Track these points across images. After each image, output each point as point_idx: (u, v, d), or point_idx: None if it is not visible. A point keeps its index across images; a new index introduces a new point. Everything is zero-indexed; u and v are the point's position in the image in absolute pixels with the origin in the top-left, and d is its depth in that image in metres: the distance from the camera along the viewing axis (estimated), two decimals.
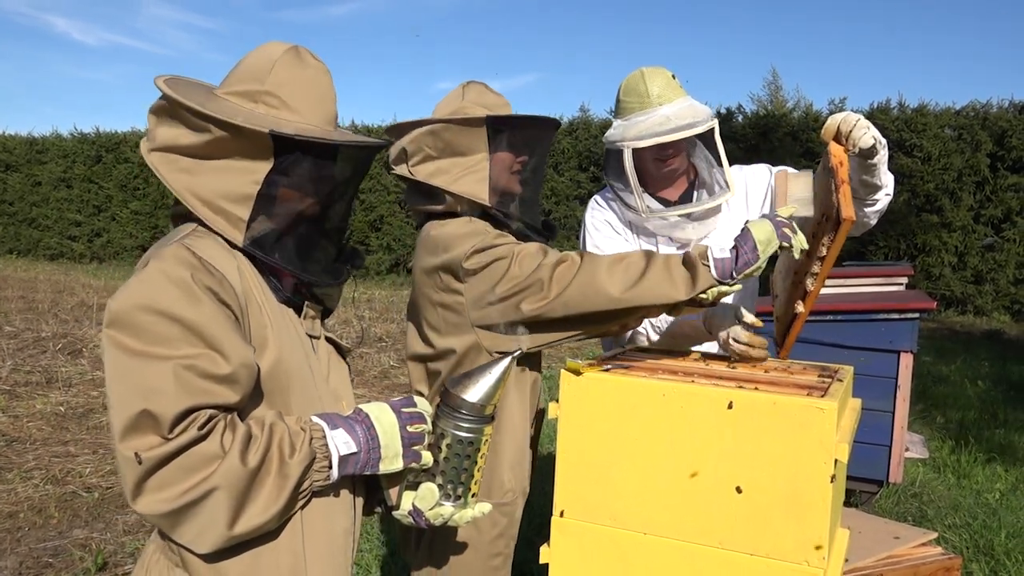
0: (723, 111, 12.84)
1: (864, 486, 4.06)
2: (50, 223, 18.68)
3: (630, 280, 1.77)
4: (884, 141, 1.97)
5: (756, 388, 1.67)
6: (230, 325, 1.23)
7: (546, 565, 1.80)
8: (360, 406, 1.39)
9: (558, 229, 2.15)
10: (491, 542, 1.99)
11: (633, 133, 2.19)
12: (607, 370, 1.79)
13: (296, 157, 1.29)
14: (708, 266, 1.77)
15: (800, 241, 1.83)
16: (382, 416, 1.35)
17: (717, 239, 2.30)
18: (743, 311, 1.97)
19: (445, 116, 1.96)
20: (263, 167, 1.28)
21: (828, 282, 4.64)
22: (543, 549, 1.80)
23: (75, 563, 3.50)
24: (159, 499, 1.17)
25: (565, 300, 1.80)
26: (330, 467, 1.30)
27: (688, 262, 1.79)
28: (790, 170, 2.34)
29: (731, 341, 1.97)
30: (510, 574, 2.08)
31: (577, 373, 1.73)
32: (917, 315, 3.82)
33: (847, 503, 4.12)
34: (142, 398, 1.15)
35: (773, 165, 2.37)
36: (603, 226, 2.39)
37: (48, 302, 10.63)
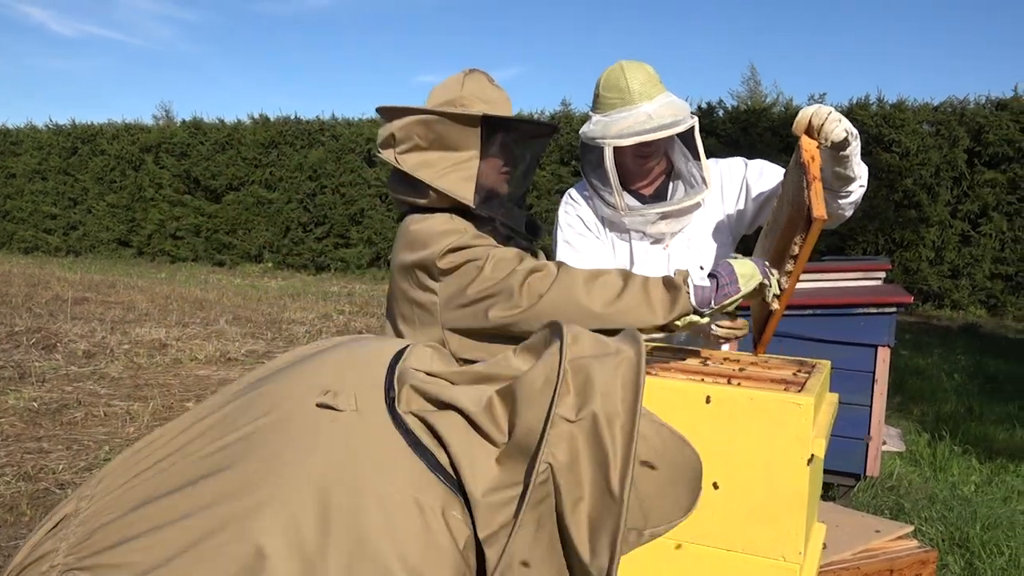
0: (704, 106, 12.88)
1: (842, 480, 4.08)
2: (24, 216, 18.42)
3: (608, 297, 1.74)
4: (856, 132, 1.95)
5: (734, 383, 1.67)
6: None
7: None
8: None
9: (543, 229, 2.11)
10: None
11: (615, 131, 2.16)
12: None
13: None
14: (688, 292, 1.74)
15: (775, 284, 1.83)
16: None
17: (691, 234, 2.29)
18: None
19: (441, 105, 1.89)
20: None
21: (806, 277, 4.66)
22: None
23: None
24: None
25: (538, 312, 1.74)
26: None
27: (670, 284, 1.76)
28: (767, 164, 2.33)
29: (713, 325, 1.95)
30: None
31: None
32: (894, 309, 3.84)
33: (824, 497, 4.14)
34: None
35: (753, 160, 2.36)
36: (576, 222, 2.37)
37: (22, 296, 10.48)
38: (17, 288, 11.27)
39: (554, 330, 1.09)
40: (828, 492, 4.19)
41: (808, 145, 1.86)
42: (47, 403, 5.65)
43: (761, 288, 1.81)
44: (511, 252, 1.84)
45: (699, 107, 12.89)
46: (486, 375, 1.10)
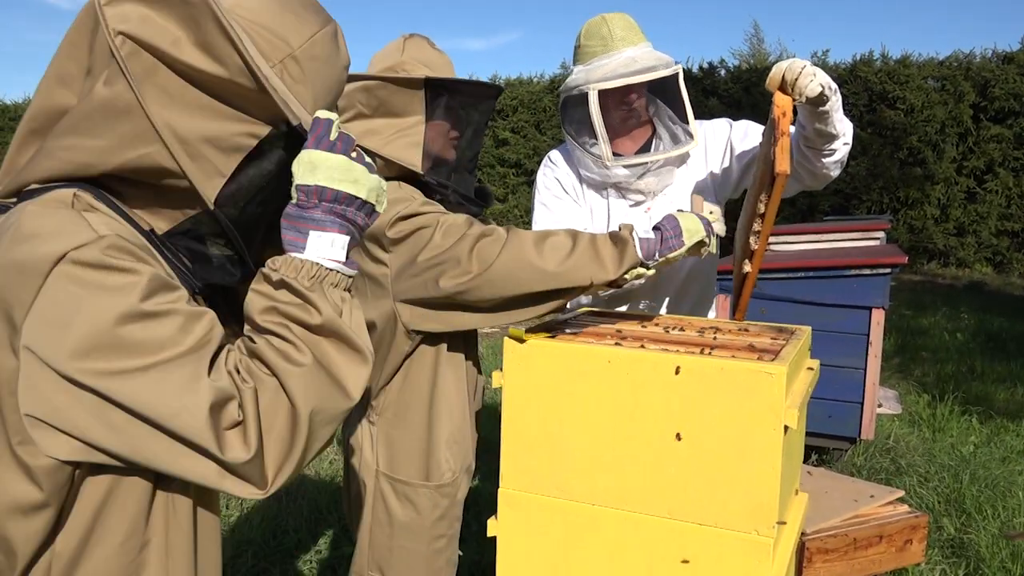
0: (705, 66, 12.68)
1: (836, 443, 4.05)
2: None
3: (560, 257, 1.69)
4: (835, 87, 1.87)
5: (706, 352, 1.61)
6: None
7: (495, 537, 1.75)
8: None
9: (492, 195, 2.06)
10: (433, 524, 1.93)
11: (598, 75, 2.11)
12: (552, 336, 1.72)
13: None
14: (635, 245, 1.70)
15: (713, 244, 1.82)
16: None
17: (674, 196, 2.23)
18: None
19: (382, 71, 1.84)
20: None
21: (800, 237, 4.60)
22: (491, 522, 1.74)
23: None
24: None
25: (491, 277, 1.69)
26: None
27: (617, 239, 1.71)
28: (751, 124, 2.26)
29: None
30: (456, 551, 2.03)
31: (520, 340, 1.66)
32: (888, 271, 3.76)
33: (819, 461, 4.11)
34: None
35: (756, 121, 2.29)
36: (553, 184, 2.32)
37: None
38: None
39: None
40: (822, 456, 4.16)
41: (781, 101, 1.78)
42: None
43: (700, 244, 1.78)
44: (460, 219, 1.78)
45: (700, 67, 12.69)
46: None
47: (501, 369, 1.70)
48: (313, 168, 1.03)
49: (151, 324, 0.93)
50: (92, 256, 0.93)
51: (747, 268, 1.85)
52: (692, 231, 1.75)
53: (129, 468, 1.00)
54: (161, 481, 1.06)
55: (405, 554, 1.92)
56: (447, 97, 1.82)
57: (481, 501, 3.50)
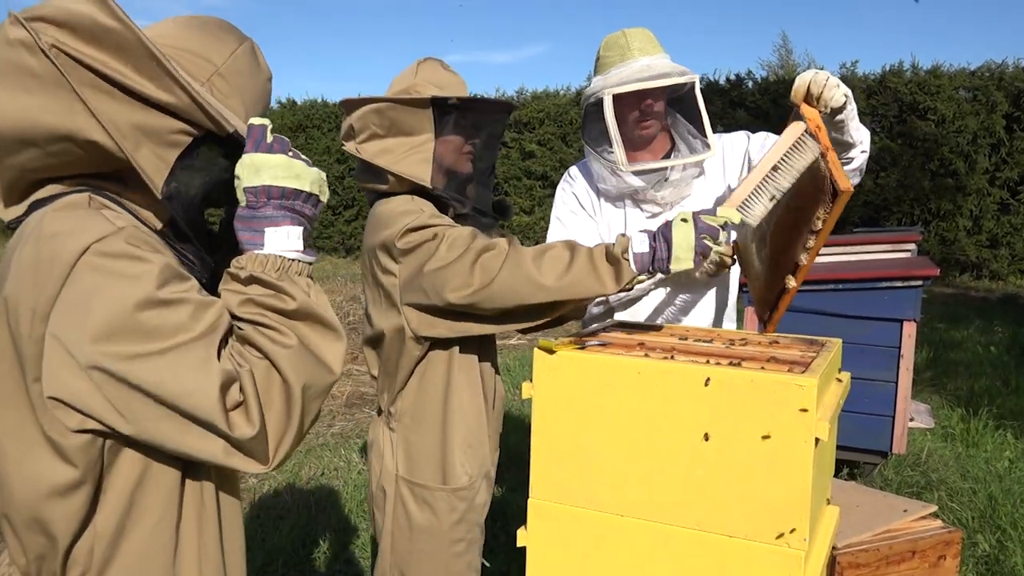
0: (732, 77, 12.63)
1: (867, 457, 4.00)
2: None
3: (559, 271, 1.73)
4: (850, 94, 1.90)
5: (736, 364, 1.61)
6: None
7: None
8: None
9: (511, 209, 2.12)
10: (451, 528, 1.96)
11: (613, 81, 2.15)
12: (582, 348, 1.73)
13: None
14: (629, 260, 1.72)
15: (719, 252, 1.77)
16: None
17: (691, 208, 2.24)
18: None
19: (396, 94, 1.93)
20: None
21: (832, 250, 4.56)
22: (520, 532, 1.76)
23: None
24: None
25: (492, 292, 1.74)
26: None
27: (611, 257, 1.74)
28: (770, 136, 2.26)
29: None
30: (479, 557, 2.05)
31: (550, 352, 1.67)
32: (920, 283, 3.72)
33: (849, 475, 4.07)
34: None
35: (756, 132, 2.30)
36: (570, 199, 2.37)
37: None
38: None
39: None
40: (853, 470, 4.11)
41: (812, 114, 1.79)
42: None
43: (721, 264, 1.81)
44: (466, 231, 1.83)
45: (727, 79, 12.65)
46: None
47: (530, 380, 1.72)
48: (257, 170, 1.11)
49: (166, 311, 1.00)
50: (113, 247, 1.00)
51: (791, 283, 1.86)
52: (682, 257, 1.72)
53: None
54: (189, 462, 1.12)
55: (425, 558, 1.96)
56: (454, 114, 1.89)
57: (508, 512, 3.51)
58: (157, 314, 0.99)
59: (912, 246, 4.62)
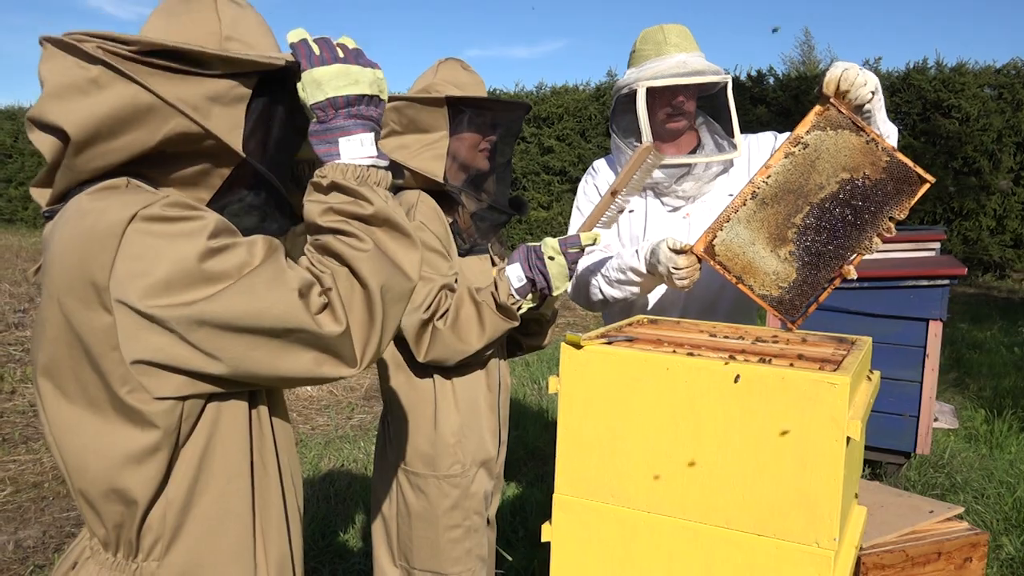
0: (754, 73, 12.54)
1: (891, 458, 3.96)
2: None
3: (477, 331, 1.89)
4: (879, 88, 1.94)
5: (766, 361, 1.59)
6: None
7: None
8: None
9: (527, 206, 2.19)
10: (445, 514, 2.00)
11: (648, 74, 2.18)
12: (609, 342, 1.72)
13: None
14: (516, 302, 1.90)
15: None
16: None
17: (713, 204, 2.25)
18: (671, 240, 2.03)
19: (415, 92, 2.01)
20: None
21: None
22: (544, 527, 1.74)
23: None
24: None
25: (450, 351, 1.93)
26: None
27: (501, 306, 1.89)
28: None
29: (671, 270, 2.02)
30: (482, 545, 2.08)
31: (577, 346, 1.66)
32: (947, 282, 3.68)
33: (872, 475, 4.03)
34: None
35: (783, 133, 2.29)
36: (592, 191, 2.41)
37: None
38: None
39: None
40: (876, 471, 4.07)
41: (846, 109, 1.78)
42: None
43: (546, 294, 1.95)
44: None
45: (748, 75, 12.56)
46: None
47: (554, 374, 1.71)
48: (319, 84, 1.14)
49: (225, 255, 1.04)
50: (159, 211, 1.03)
51: (853, 274, 1.90)
52: (559, 277, 1.89)
53: (228, 395, 1.13)
54: (253, 407, 1.18)
55: (425, 543, 2.01)
56: (470, 113, 1.97)
57: (528, 507, 3.50)
58: (218, 260, 1.03)
59: (936, 245, 4.56)
